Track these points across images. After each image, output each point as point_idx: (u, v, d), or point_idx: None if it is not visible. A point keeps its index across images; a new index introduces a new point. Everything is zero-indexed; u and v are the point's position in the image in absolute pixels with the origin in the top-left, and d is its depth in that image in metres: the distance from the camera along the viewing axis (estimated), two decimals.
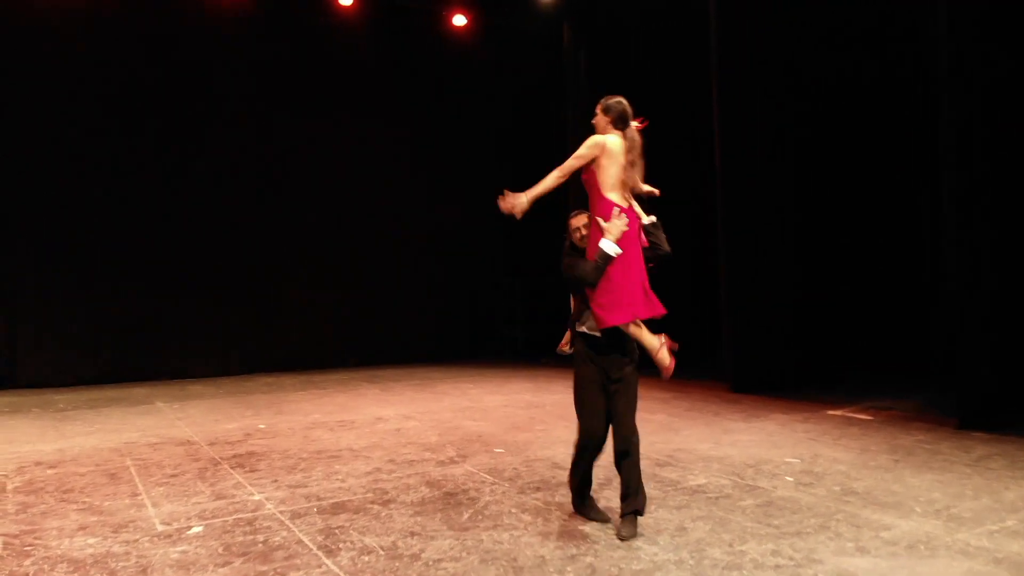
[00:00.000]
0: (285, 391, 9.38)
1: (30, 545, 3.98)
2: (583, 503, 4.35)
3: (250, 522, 4.28)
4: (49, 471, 5.55)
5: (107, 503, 4.73)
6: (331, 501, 4.65)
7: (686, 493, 4.74)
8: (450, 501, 4.60)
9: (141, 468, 5.60)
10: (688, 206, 10.89)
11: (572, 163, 4.23)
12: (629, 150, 4.24)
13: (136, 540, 4.04)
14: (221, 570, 3.60)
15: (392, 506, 4.52)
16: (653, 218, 4.27)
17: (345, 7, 11.13)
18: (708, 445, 6.06)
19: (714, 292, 9.56)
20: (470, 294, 12.85)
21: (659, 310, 4.19)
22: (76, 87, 10.09)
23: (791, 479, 5.03)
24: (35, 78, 9.88)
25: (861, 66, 9.52)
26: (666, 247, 4.29)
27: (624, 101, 4.45)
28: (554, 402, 8.10)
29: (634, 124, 4.45)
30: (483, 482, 5.01)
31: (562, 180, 4.18)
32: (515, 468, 5.37)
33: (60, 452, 6.16)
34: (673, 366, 4.19)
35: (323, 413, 7.78)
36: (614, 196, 4.12)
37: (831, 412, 7.41)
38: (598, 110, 4.44)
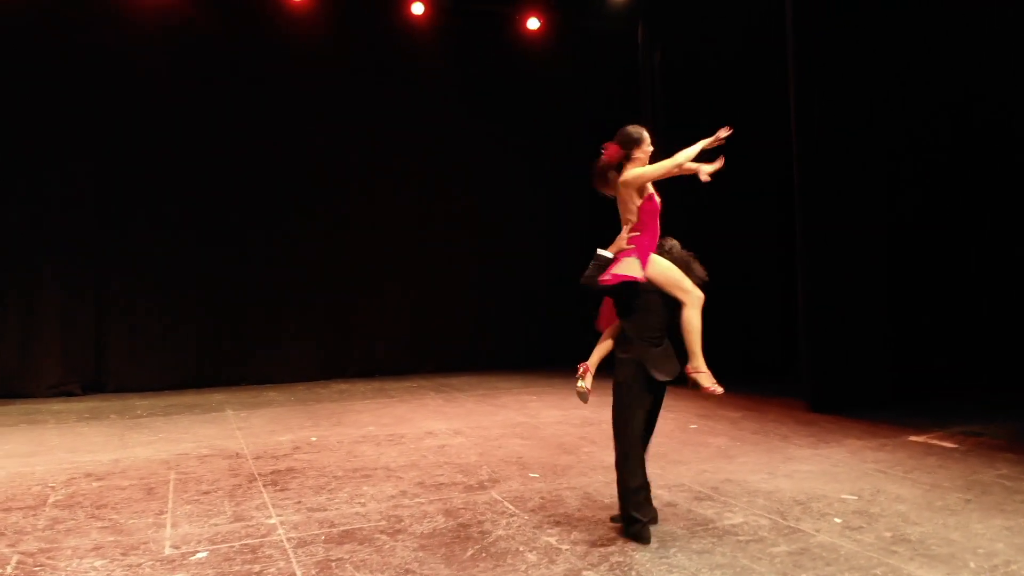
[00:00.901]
0: (353, 399, 9.44)
1: (40, 565, 4.06)
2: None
3: (254, 549, 4.23)
4: (95, 484, 5.71)
5: (131, 521, 4.80)
6: (343, 528, 4.55)
7: (715, 534, 4.38)
8: (460, 534, 4.41)
9: (180, 483, 5.68)
10: (769, 210, 10.35)
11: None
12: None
13: (139, 564, 4.05)
14: None
15: (400, 537, 4.38)
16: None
17: (417, 16, 11.10)
18: (761, 476, 5.64)
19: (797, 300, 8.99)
20: (550, 299, 12.60)
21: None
22: (158, 102, 10.48)
23: (839, 520, 4.58)
24: (120, 87, 10.31)
25: (956, 65, 8.74)
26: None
27: (637, 129, 4.57)
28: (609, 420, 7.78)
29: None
30: (503, 512, 4.80)
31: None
32: (542, 497, 5.14)
33: (114, 463, 6.35)
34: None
35: (378, 425, 7.76)
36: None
37: (912, 438, 6.80)
38: (634, 150, 4.48)
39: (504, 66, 11.95)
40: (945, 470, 5.71)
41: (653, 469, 5.40)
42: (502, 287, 12.31)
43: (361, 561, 4.02)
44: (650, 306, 4.33)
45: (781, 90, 8.67)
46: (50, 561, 4.12)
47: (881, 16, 8.37)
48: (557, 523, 4.60)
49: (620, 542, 4.24)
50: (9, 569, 4.02)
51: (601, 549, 4.15)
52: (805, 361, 8.42)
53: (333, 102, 11.24)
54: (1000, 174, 9.04)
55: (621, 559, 4.00)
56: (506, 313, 12.31)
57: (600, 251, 4.39)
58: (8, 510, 5.06)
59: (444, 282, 12.02)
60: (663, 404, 4.53)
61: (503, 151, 12.17)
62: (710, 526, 4.54)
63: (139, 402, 9.54)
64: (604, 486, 5.36)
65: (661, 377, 4.27)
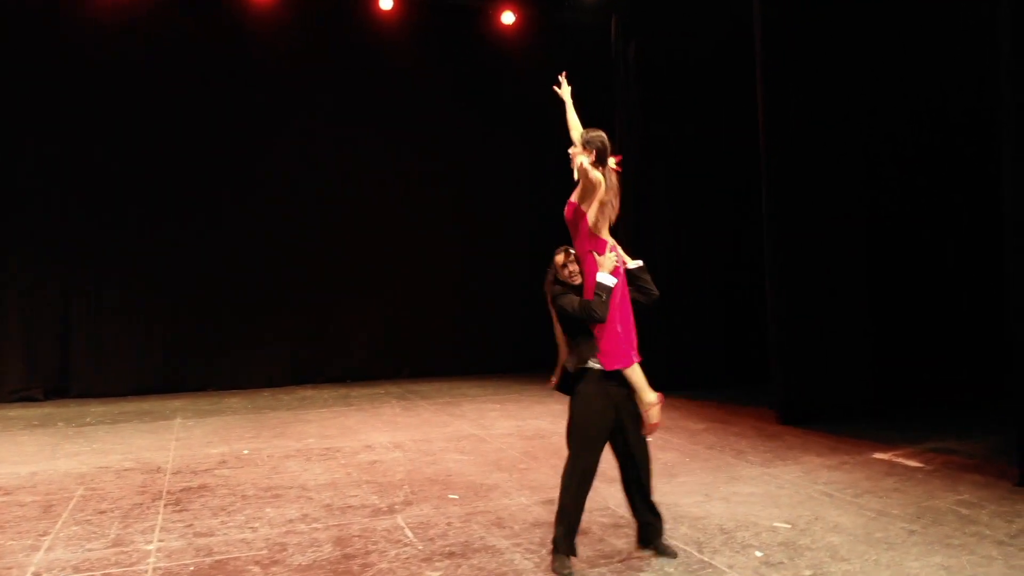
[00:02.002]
0: (310, 408, 9.13)
1: None
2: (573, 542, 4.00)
3: None
4: None
5: (9, 543, 4.52)
6: (218, 558, 4.22)
7: (617, 570, 4.00)
8: (339, 567, 4.06)
9: (83, 500, 5.39)
10: (753, 207, 9.90)
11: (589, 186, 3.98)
12: (608, 190, 4.04)
13: None
14: None
15: (273, 570, 4.04)
16: (639, 262, 4.21)
17: (387, 11, 10.76)
18: (696, 498, 5.23)
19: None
20: (534, 302, 12.14)
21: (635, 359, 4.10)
22: (129, 101, 10.25)
23: (760, 554, 4.17)
24: (87, 92, 10.11)
25: (932, 60, 8.26)
26: (654, 290, 4.22)
27: (604, 136, 4.11)
28: (564, 432, 7.40)
29: (611, 163, 4.13)
30: (398, 541, 4.45)
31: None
32: (448, 523, 4.77)
33: (30, 476, 6.09)
34: (658, 427, 4.16)
35: (320, 437, 7.44)
36: (605, 234, 4.04)
37: (877, 455, 6.34)
38: (578, 143, 4.10)
39: (480, 61, 11.56)
40: (900, 494, 5.26)
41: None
42: (484, 290, 11.91)
43: None
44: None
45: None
46: None
47: (856, 10, 7.89)
48: (451, 555, 4.23)
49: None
50: None
51: None
52: (776, 369, 7.97)
53: (304, 101, 10.93)
54: (976, 169, 8.53)
55: None
56: (488, 317, 11.90)
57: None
58: None
59: (423, 285, 11.65)
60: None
61: (482, 150, 11.81)
62: (616, 559, 4.15)
63: (95, 408, 9.31)
64: (520, 510, 4.98)
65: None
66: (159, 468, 6.31)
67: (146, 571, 4.06)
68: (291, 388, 10.66)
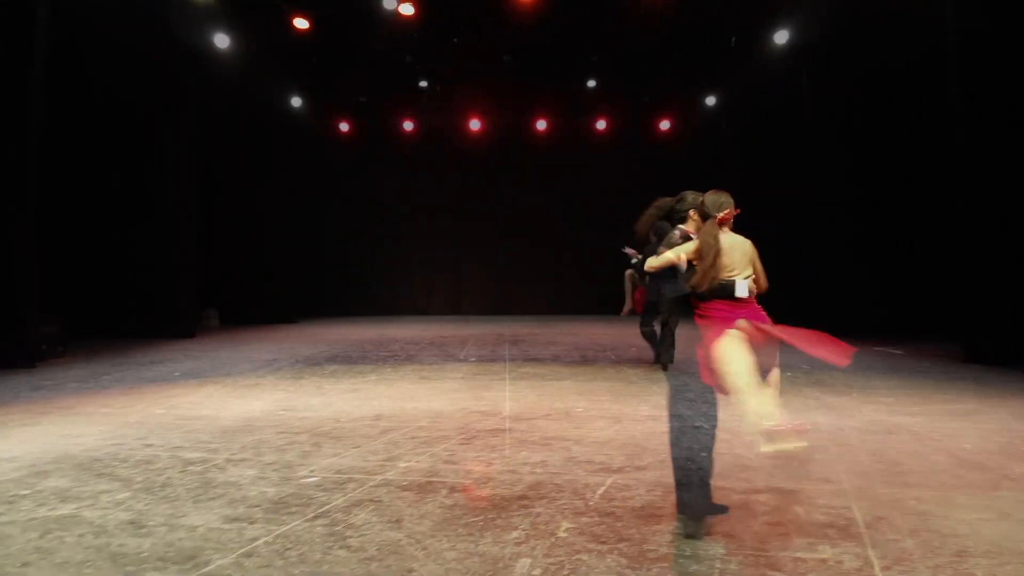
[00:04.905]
0: None
1: (210, 476, 5.22)
2: None
3: (340, 484, 4.76)
4: (362, 424, 6.72)
5: (328, 449, 5.71)
6: (431, 479, 4.82)
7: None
8: (504, 504, 4.31)
9: (415, 430, 6.37)
10: None
11: None
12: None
13: (268, 478, 4.95)
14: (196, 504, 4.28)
15: (455, 495, 4.48)
16: None
17: None
18: (984, 516, 4.03)
19: None
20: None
21: None
22: None
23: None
24: None
25: None
26: None
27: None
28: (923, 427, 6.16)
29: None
30: (582, 497, 4.45)
31: None
32: (646, 491, 4.55)
33: (411, 409, 7.32)
34: None
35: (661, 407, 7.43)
36: None
37: None
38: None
39: None
40: None
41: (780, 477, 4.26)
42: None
43: (372, 511, 4.27)
44: None
45: None
46: (234, 468, 5.26)
47: None
48: (607, 515, 4.12)
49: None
50: (196, 468, 5.28)
51: (559, 555, 3.65)
52: None
53: None
54: None
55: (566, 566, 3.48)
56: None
57: None
58: (306, 431, 6.46)
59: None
60: None
61: None
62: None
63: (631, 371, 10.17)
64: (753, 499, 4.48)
65: None
66: (501, 413, 7.09)
67: (375, 478, 4.84)
68: None
